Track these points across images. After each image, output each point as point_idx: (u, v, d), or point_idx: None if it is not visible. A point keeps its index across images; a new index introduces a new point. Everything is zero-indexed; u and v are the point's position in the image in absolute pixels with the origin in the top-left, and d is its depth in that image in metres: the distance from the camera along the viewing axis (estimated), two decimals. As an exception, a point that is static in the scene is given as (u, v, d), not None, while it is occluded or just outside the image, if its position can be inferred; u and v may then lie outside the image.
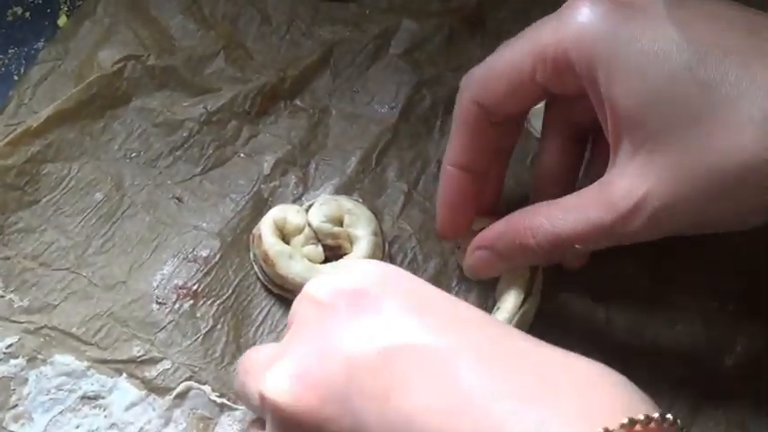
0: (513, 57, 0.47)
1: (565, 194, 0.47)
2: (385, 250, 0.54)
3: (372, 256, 0.53)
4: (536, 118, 0.59)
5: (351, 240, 0.54)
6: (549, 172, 0.52)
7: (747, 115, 0.39)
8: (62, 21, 0.66)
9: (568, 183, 0.51)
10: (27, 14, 0.66)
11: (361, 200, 0.57)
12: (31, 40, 0.65)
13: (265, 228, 0.53)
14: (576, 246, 0.44)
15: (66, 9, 0.66)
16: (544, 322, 0.52)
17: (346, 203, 0.54)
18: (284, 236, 0.53)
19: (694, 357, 0.52)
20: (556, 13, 0.45)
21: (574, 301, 0.54)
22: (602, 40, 0.42)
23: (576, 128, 0.51)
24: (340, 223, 0.54)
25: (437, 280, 0.55)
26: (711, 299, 0.54)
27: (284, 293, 0.53)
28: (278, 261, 0.52)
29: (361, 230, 0.53)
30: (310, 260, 0.53)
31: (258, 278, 0.54)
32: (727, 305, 0.53)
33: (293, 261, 0.52)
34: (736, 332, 0.53)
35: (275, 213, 0.53)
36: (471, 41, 0.64)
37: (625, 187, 0.42)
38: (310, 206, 0.54)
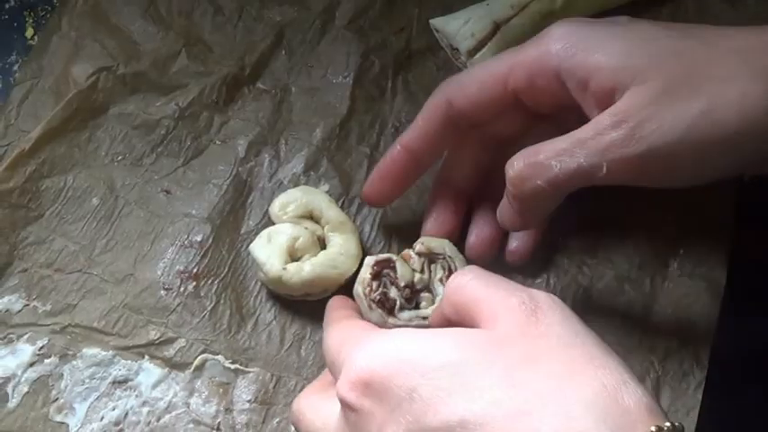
0: (491, 65, 0.51)
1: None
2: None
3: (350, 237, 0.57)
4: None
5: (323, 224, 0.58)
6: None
7: (750, 70, 0.43)
8: (29, 32, 0.69)
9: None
10: (-5, 31, 0.69)
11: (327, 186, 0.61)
12: (3, 54, 0.68)
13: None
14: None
15: (31, 21, 0.69)
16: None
17: (309, 198, 0.58)
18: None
19: (642, 262, 0.57)
20: (537, 37, 0.50)
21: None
22: (583, 38, 0.47)
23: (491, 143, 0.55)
24: (310, 216, 0.57)
25: (406, 230, 0.59)
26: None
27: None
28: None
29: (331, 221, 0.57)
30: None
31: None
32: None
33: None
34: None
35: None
36: (409, 2, 0.67)
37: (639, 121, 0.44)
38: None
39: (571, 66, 0.47)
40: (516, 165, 0.48)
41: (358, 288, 0.53)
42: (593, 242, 0.57)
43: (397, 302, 0.52)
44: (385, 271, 0.53)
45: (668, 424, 0.34)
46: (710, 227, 0.57)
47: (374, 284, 0.52)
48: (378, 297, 0.52)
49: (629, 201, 0.57)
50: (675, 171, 0.45)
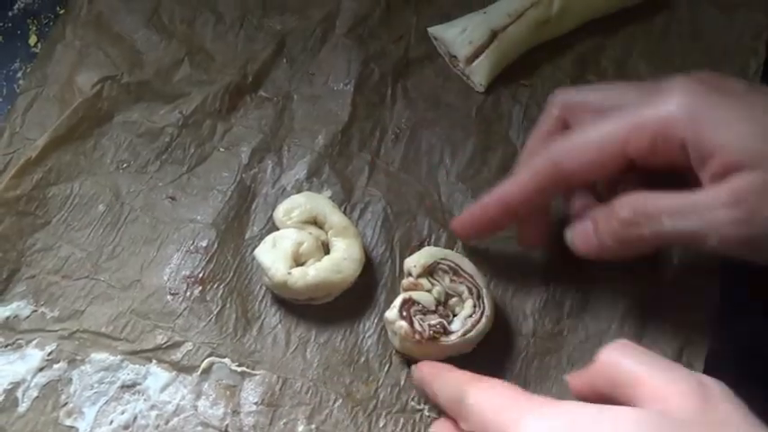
0: (605, 129, 0.49)
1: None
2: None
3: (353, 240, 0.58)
4: (474, 74, 0.64)
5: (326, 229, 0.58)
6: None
7: None
8: (32, 40, 0.69)
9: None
10: (0, 38, 0.70)
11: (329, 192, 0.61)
12: (7, 62, 0.69)
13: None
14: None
15: (35, 29, 0.70)
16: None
17: (312, 204, 0.59)
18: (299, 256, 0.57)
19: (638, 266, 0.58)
20: (653, 95, 0.48)
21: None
22: (709, 109, 0.46)
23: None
24: (314, 221, 0.58)
25: (407, 235, 0.60)
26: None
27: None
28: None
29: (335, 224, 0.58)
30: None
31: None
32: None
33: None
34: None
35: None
36: (406, 10, 0.68)
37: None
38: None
39: (697, 140, 0.46)
40: (627, 210, 0.48)
41: (405, 343, 0.54)
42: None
43: (444, 323, 0.53)
44: (412, 310, 0.54)
45: None
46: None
47: (418, 326, 0.53)
48: (432, 333, 0.53)
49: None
50: None
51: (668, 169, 0.48)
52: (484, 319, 0.54)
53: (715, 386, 0.39)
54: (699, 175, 0.47)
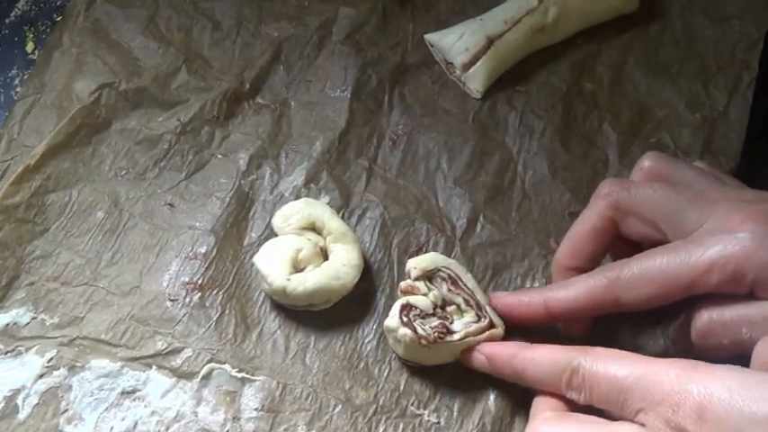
0: (671, 269, 0.48)
1: None
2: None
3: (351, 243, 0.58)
4: (471, 80, 0.64)
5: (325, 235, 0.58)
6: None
7: None
8: (30, 47, 0.69)
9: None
10: (-4, 45, 0.69)
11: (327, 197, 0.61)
12: (4, 69, 0.68)
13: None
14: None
15: (32, 36, 0.70)
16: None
17: (311, 210, 0.59)
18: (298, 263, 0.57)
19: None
20: (718, 234, 0.47)
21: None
22: None
23: None
24: (312, 227, 0.58)
25: (405, 240, 0.60)
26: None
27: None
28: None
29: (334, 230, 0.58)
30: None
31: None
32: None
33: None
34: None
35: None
36: (403, 17, 0.68)
37: None
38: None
39: (765, 281, 0.45)
40: (703, 320, 0.48)
41: (411, 350, 0.54)
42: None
43: (446, 323, 0.53)
44: (412, 315, 0.53)
45: None
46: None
47: (421, 331, 0.53)
48: (436, 335, 0.53)
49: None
50: None
51: None
52: (500, 329, 0.54)
53: None
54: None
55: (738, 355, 0.46)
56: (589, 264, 0.53)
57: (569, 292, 0.52)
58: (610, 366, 0.45)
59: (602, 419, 0.45)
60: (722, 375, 0.40)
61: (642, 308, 0.50)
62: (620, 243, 0.53)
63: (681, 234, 0.49)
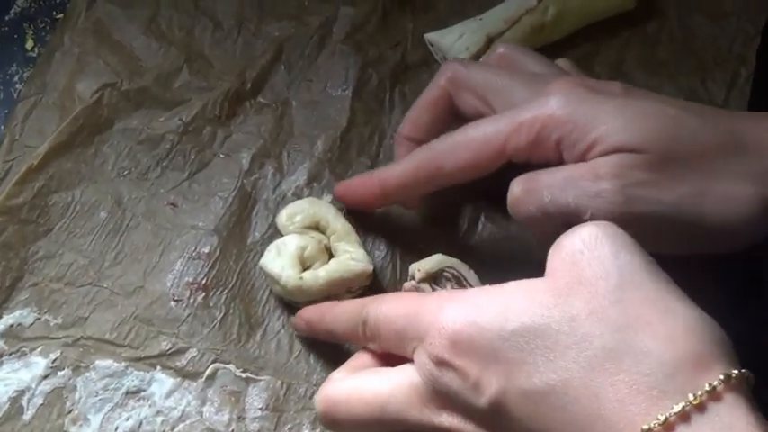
0: (487, 131, 0.50)
1: None
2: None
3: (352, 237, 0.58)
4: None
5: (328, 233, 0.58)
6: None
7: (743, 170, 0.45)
8: (29, 44, 0.68)
9: None
10: (-5, 42, 0.68)
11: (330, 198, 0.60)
12: (4, 65, 0.67)
13: None
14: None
15: (31, 33, 0.69)
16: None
17: (315, 209, 0.58)
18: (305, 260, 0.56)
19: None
20: (533, 96, 0.49)
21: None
22: (584, 111, 0.47)
23: None
24: (316, 226, 0.58)
25: (407, 239, 0.59)
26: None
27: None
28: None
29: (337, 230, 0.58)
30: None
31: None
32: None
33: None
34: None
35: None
36: (403, 17, 0.67)
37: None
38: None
39: (573, 137, 0.47)
40: (515, 189, 0.49)
41: None
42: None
43: None
44: None
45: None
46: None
47: None
48: None
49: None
50: (659, 241, 0.45)
51: (544, 165, 0.49)
52: None
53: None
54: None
55: (552, 227, 0.47)
56: (425, 135, 0.55)
57: (398, 167, 0.54)
58: (388, 309, 0.46)
59: (384, 369, 0.46)
60: (473, 297, 0.41)
61: (465, 177, 0.51)
62: (458, 122, 0.54)
63: (509, 109, 0.50)
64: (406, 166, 0.53)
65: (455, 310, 0.41)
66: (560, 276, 0.39)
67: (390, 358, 0.47)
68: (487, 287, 0.42)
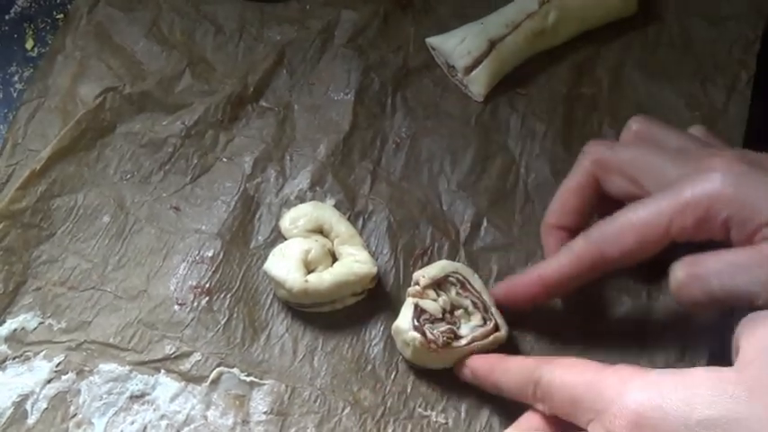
0: (649, 214, 0.47)
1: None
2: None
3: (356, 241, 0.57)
4: (473, 83, 0.63)
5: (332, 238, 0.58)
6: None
7: None
8: (29, 44, 0.68)
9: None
10: (-5, 41, 0.68)
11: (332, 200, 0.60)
12: (4, 65, 0.67)
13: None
14: None
15: (32, 33, 0.68)
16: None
17: (319, 213, 0.58)
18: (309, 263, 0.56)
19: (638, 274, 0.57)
20: (692, 172, 0.47)
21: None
22: (749, 191, 0.45)
23: None
24: (320, 230, 0.58)
25: (411, 243, 0.59)
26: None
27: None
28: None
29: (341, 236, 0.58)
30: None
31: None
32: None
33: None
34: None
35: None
36: (404, 21, 0.67)
37: None
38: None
39: (742, 216, 0.45)
40: (678, 274, 0.47)
41: (418, 353, 0.53)
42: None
43: (454, 328, 0.53)
44: (422, 319, 0.53)
45: None
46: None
47: (429, 335, 0.52)
48: (445, 339, 0.52)
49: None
50: None
51: (707, 242, 0.47)
52: (503, 331, 0.53)
53: None
54: (740, 245, 0.46)
55: (717, 309, 0.47)
56: (574, 222, 0.54)
57: (559, 259, 0.51)
58: (564, 375, 0.45)
59: None
60: (656, 380, 0.41)
61: (628, 262, 0.49)
62: (605, 205, 0.53)
63: (662, 189, 0.48)
64: (565, 259, 0.51)
65: (640, 392, 0.40)
66: (755, 369, 0.38)
67: (561, 423, 0.46)
68: (672, 371, 0.41)
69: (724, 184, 0.45)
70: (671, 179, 0.48)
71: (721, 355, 0.54)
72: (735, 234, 0.45)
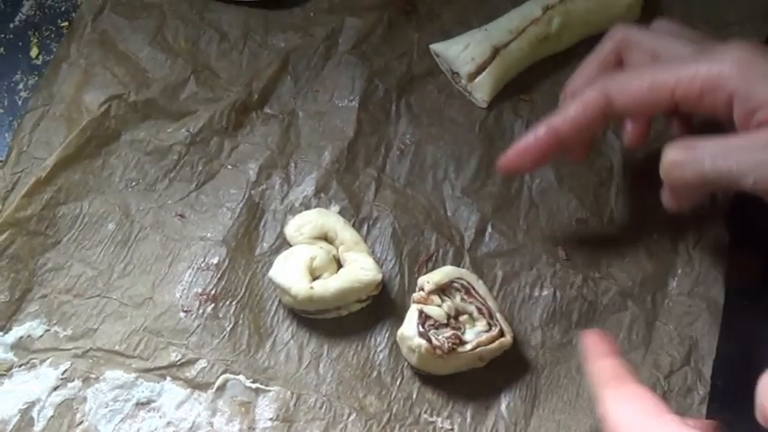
0: (657, 74, 0.50)
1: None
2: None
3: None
4: (477, 90, 0.63)
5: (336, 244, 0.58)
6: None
7: None
8: (34, 52, 0.68)
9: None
10: (1, 50, 0.68)
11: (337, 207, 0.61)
12: (8, 73, 0.67)
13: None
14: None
15: (36, 41, 0.68)
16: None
17: (324, 220, 0.58)
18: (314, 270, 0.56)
19: (643, 279, 0.58)
20: (708, 53, 0.50)
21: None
22: (757, 72, 0.48)
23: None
24: (324, 237, 0.58)
25: (415, 249, 0.59)
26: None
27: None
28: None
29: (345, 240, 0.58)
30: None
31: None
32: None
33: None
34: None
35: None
36: (408, 27, 0.67)
37: None
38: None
39: (746, 94, 0.47)
40: (671, 153, 0.49)
41: (424, 359, 0.53)
42: (596, 259, 0.58)
43: (459, 334, 0.53)
44: (427, 325, 0.53)
45: None
46: (707, 245, 0.58)
47: (435, 341, 0.52)
48: (451, 345, 0.52)
49: (628, 221, 0.59)
50: None
51: (708, 118, 0.50)
52: (508, 336, 0.53)
53: None
54: (740, 126, 0.48)
55: (701, 193, 0.51)
56: None
57: (569, 108, 0.53)
58: (620, 412, 0.44)
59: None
60: None
61: (633, 113, 0.53)
62: None
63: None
64: (576, 106, 0.53)
65: None
66: None
67: None
68: None
69: (734, 62, 0.48)
70: (686, 55, 0.51)
71: (729, 357, 0.54)
72: (737, 110, 0.48)
